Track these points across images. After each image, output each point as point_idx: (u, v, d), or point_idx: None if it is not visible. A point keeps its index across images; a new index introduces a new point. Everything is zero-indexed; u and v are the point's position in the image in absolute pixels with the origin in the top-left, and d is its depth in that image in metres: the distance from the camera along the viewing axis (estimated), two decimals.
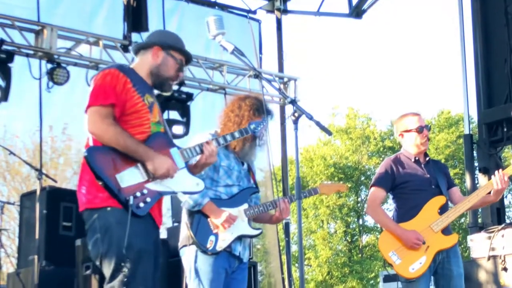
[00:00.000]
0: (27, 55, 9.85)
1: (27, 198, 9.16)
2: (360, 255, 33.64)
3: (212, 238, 4.98)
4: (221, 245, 4.99)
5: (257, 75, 4.31)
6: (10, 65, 9.49)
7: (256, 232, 5.20)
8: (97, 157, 4.08)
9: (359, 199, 35.03)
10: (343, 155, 34.80)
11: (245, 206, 5.15)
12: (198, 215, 4.99)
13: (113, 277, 4.04)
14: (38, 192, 8.13)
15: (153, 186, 4.14)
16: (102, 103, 4.11)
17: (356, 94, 52.10)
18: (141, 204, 4.08)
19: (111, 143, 4.08)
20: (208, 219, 4.98)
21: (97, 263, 4.15)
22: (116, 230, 4.03)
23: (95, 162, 4.06)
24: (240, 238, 5.09)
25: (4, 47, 9.44)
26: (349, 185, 33.73)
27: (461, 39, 10.84)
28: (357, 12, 12.19)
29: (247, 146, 5.11)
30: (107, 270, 4.06)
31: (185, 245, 5.04)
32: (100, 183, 4.01)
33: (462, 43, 10.82)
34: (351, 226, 34.86)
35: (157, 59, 4.38)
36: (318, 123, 4.18)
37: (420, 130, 5.88)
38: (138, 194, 4.08)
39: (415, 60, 50.17)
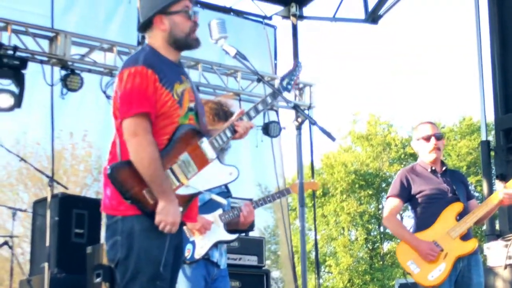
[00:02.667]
0: (41, 62, 9.84)
1: (39, 205, 9.14)
2: (381, 263, 33.42)
3: (189, 246, 4.90)
4: (199, 253, 4.91)
5: (260, 79, 4.18)
6: (23, 71, 9.49)
7: (233, 236, 5.12)
8: (121, 174, 3.73)
9: (380, 206, 34.76)
10: (364, 162, 34.60)
11: (220, 211, 5.07)
12: None
13: (127, 285, 3.77)
14: (49, 199, 8.09)
15: (183, 190, 3.82)
16: (137, 112, 3.72)
17: (375, 101, 51.84)
18: None
19: (140, 164, 3.70)
20: (184, 227, 4.89)
21: (112, 265, 3.87)
22: (139, 238, 3.74)
23: (119, 180, 3.73)
24: (216, 245, 5.01)
25: (18, 53, 9.43)
26: (370, 192, 33.57)
27: (478, 44, 10.70)
28: (373, 17, 12.08)
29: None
30: (121, 276, 3.79)
31: None
32: (128, 202, 3.71)
33: (479, 48, 10.68)
34: (372, 234, 34.64)
35: (164, 27, 3.96)
36: (321, 129, 4.05)
37: (427, 138, 5.85)
38: None
39: (433, 66, 49.67)
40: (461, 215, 5.68)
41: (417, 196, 5.80)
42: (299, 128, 4.09)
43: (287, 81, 4.23)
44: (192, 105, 3.96)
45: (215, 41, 4.17)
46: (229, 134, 4.03)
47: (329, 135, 4.05)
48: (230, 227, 5.17)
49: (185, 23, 3.99)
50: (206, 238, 4.91)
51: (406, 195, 5.81)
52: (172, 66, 3.96)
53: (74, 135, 20.67)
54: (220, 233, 5.00)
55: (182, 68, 4.09)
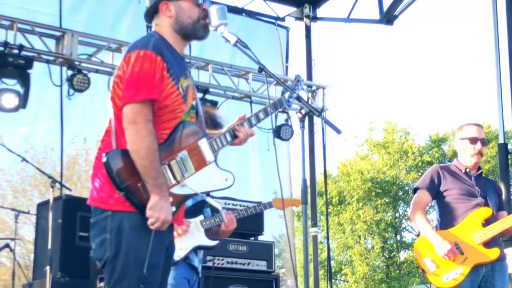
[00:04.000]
0: (47, 61, 9.67)
1: (43, 207, 8.94)
2: (398, 272, 33.23)
3: None
4: (179, 254, 4.90)
5: (261, 69, 3.94)
6: (29, 71, 9.32)
7: (213, 243, 5.16)
8: (118, 163, 3.52)
9: (397, 214, 34.62)
10: (380, 170, 34.42)
11: (201, 217, 5.10)
12: None
13: (114, 287, 3.54)
14: (51, 201, 7.89)
15: (179, 190, 3.63)
16: (144, 98, 3.50)
17: (390, 104, 51.54)
18: None
19: (136, 154, 3.49)
20: None
21: (100, 265, 3.65)
22: (128, 237, 3.52)
23: (115, 170, 3.50)
24: (196, 250, 5.07)
25: (24, 53, 9.27)
26: (387, 200, 33.36)
27: (496, 50, 10.44)
28: (388, 18, 11.83)
29: None
30: (108, 277, 3.57)
31: None
32: (121, 194, 3.50)
33: (497, 53, 10.42)
34: (388, 242, 34.47)
35: (171, 13, 3.78)
36: (326, 121, 3.84)
37: (473, 140, 5.73)
38: None
39: (450, 69, 49.53)
40: (488, 222, 5.55)
41: (445, 194, 5.69)
42: (302, 120, 3.85)
43: (289, 94, 4.06)
44: (194, 103, 3.79)
45: (214, 28, 3.94)
46: (229, 138, 3.87)
47: (334, 127, 3.83)
48: (211, 235, 5.18)
49: (193, 9, 3.80)
50: (185, 241, 4.95)
51: (435, 189, 5.71)
52: (178, 58, 3.78)
53: (88, 140, 20.63)
54: (200, 238, 5.05)
55: (185, 64, 3.89)
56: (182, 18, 3.79)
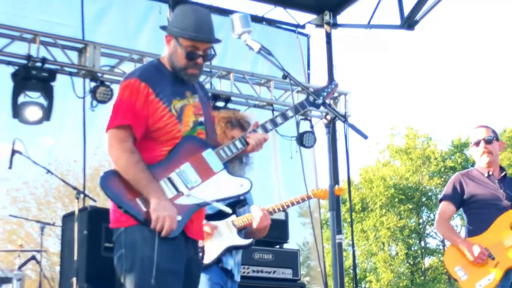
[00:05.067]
0: (70, 74, 9.71)
1: (68, 218, 8.95)
2: (422, 278, 33.01)
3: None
4: (209, 257, 4.78)
5: (286, 76, 3.95)
6: (52, 84, 9.37)
7: (246, 242, 4.94)
8: (113, 182, 3.72)
9: (421, 220, 34.42)
10: (403, 176, 34.26)
11: (233, 217, 4.92)
12: None
13: None
14: (76, 212, 7.90)
15: (184, 200, 3.74)
16: (118, 124, 3.75)
17: (413, 111, 51.31)
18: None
19: (122, 172, 3.72)
20: None
21: (121, 280, 3.81)
22: (141, 248, 3.68)
23: (111, 188, 3.72)
24: (230, 251, 4.88)
25: (47, 65, 9.32)
26: (410, 207, 33.19)
27: None
28: (409, 23, 11.75)
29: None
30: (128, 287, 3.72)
31: None
32: (121, 210, 3.68)
33: None
34: (412, 248, 34.26)
35: (170, 47, 3.94)
36: (352, 126, 3.83)
37: (477, 143, 5.80)
38: None
39: (473, 74, 49.23)
40: None
41: (470, 201, 5.69)
42: (328, 125, 3.83)
43: (314, 97, 4.10)
44: (201, 119, 3.93)
45: (238, 36, 4.00)
46: (239, 145, 3.92)
47: (360, 132, 3.81)
48: (247, 235, 5.03)
49: (182, 59, 3.89)
50: (217, 242, 4.81)
51: (458, 199, 5.72)
52: (173, 83, 3.90)
53: None
54: (232, 238, 4.87)
55: (187, 84, 3.98)
56: (173, 59, 3.91)
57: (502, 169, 5.84)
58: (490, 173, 5.75)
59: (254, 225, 4.88)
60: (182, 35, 3.85)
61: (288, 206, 5.03)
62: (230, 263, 4.86)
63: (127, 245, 3.72)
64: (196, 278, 3.96)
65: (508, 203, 5.59)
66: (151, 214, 3.65)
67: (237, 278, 4.99)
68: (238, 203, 4.89)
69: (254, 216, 4.86)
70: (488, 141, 5.75)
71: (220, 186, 3.84)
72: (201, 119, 3.93)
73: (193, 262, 3.89)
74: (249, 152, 4.02)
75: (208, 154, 3.84)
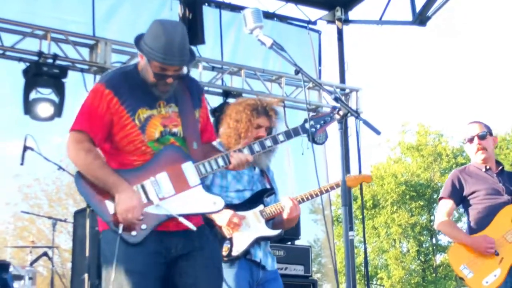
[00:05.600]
0: (81, 70, 9.71)
1: (80, 215, 8.96)
2: (434, 275, 32.92)
3: (226, 243, 4.68)
4: (237, 249, 4.65)
5: (298, 71, 3.92)
6: (64, 80, 9.37)
7: (275, 232, 4.80)
8: (84, 182, 3.76)
9: (432, 217, 34.30)
10: (414, 173, 34.18)
11: (261, 207, 4.81)
12: (210, 223, 4.66)
13: None
14: (88, 209, 7.89)
15: (153, 209, 3.73)
16: (76, 128, 3.80)
17: (424, 107, 51.16)
18: (134, 233, 3.70)
19: (82, 172, 3.76)
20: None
21: None
22: (107, 252, 3.75)
23: (83, 187, 3.76)
24: (259, 242, 4.75)
25: (58, 62, 9.31)
26: (421, 203, 33.10)
27: None
28: (421, 19, 11.69)
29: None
30: None
31: None
32: (90, 209, 3.74)
33: None
34: (424, 245, 34.19)
35: (142, 61, 3.90)
36: (365, 122, 3.80)
37: (470, 139, 5.73)
38: None
39: (485, 70, 48.99)
40: None
41: (470, 197, 5.62)
42: (341, 121, 3.80)
43: (312, 123, 4.11)
44: (175, 130, 3.88)
45: (250, 31, 3.96)
46: (221, 163, 3.92)
47: (373, 128, 3.78)
48: (276, 225, 4.91)
49: (151, 77, 3.84)
50: (245, 234, 4.67)
51: (458, 196, 5.64)
52: (146, 90, 3.87)
53: None
54: (260, 228, 4.74)
55: (162, 94, 3.92)
56: (145, 73, 3.87)
57: (498, 163, 5.77)
58: (488, 167, 5.68)
59: (285, 215, 4.79)
60: (151, 57, 3.78)
61: (317, 195, 4.91)
62: (259, 254, 4.75)
63: (101, 250, 3.82)
64: (205, 263, 3.91)
65: (508, 197, 5.53)
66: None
67: (272, 266, 4.87)
68: (265, 192, 4.84)
69: (284, 206, 4.78)
70: (481, 137, 5.69)
71: (192, 201, 3.81)
72: (176, 129, 3.89)
73: (184, 257, 3.86)
74: (229, 170, 4.03)
75: (187, 167, 3.83)
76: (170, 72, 3.81)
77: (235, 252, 4.64)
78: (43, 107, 9.19)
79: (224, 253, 4.62)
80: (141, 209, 3.70)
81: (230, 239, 4.66)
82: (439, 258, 33.91)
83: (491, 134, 5.76)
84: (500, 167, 5.72)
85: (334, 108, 4.04)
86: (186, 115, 3.95)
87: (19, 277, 8.01)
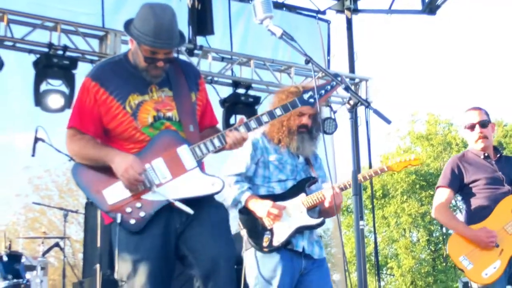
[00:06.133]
0: (91, 62, 9.72)
1: (91, 206, 8.98)
2: (444, 264, 32.89)
3: (267, 234, 4.63)
4: (278, 239, 4.62)
5: (308, 61, 3.91)
6: (74, 71, 9.39)
7: (316, 221, 4.72)
8: (83, 173, 3.82)
9: None
10: (424, 162, 34.08)
11: (302, 196, 4.73)
12: (251, 214, 4.68)
13: None
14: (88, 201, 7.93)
15: (150, 196, 3.75)
16: (70, 126, 3.90)
17: (434, 97, 51.00)
18: (132, 221, 3.72)
19: (81, 160, 3.83)
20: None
21: None
22: (114, 245, 3.81)
23: (80, 179, 3.82)
24: (301, 232, 4.70)
25: (68, 53, 9.33)
26: (431, 193, 33.04)
27: None
28: (430, 8, 11.68)
29: (295, 140, 4.77)
30: None
31: (246, 250, 4.72)
32: (89, 201, 3.78)
33: None
34: (434, 235, 34.14)
35: (132, 46, 3.92)
36: (376, 111, 3.78)
37: (471, 127, 5.59)
38: (128, 209, 3.73)
39: (495, 59, 48.75)
40: None
41: (470, 186, 5.50)
42: (351, 110, 3.80)
43: (310, 94, 4.04)
44: (169, 114, 3.86)
45: (260, 21, 3.94)
46: (217, 143, 3.88)
47: (384, 118, 3.77)
48: (321, 214, 4.84)
49: (142, 61, 3.84)
50: (286, 224, 4.63)
51: (457, 184, 5.52)
52: (137, 76, 3.87)
53: None
54: (302, 218, 4.68)
55: (154, 78, 3.91)
56: (135, 58, 3.88)
57: (496, 149, 5.66)
58: (486, 154, 5.58)
59: (326, 204, 4.72)
60: (141, 41, 3.79)
61: (360, 181, 4.81)
62: (301, 244, 4.69)
63: (112, 241, 3.87)
64: (211, 222, 3.89)
65: (509, 187, 5.43)
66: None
67: (320, 254, 4.82)
68: (308, 181, 4.78)
69: (325, 194, 4.70)
70: (483, 125, 5.58)
71: (190, 185, 3.79)
72: (170, 113, 3.88)
73: (191, 222, 3.84)
74: (226, 150, 3.98)
75: (183, 151, 3.81)
76: (161, 56, 3.80)
77: (275, 243, 4.61)
78: (54, 99, 9.21)
79: (265, 243, 4.61)
80: (140, 164, 3.71)
81: (271, 230, 4.63)
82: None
83: (489, 121, 5.64)
84: (499, 154, 5.62)
85: (335, 75, 4.01)
86: (181, 98, 3.93)
87: (31, 268, 8.05)
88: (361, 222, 11.08)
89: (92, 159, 3.77)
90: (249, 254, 4.70)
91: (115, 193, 3.73)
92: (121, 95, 3.81)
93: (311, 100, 4.02)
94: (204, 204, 3.87)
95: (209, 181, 3.82)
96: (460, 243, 5.33)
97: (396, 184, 33.24)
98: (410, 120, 35.20)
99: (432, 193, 33.03)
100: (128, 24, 3.90)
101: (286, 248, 4.65)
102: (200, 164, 3.84)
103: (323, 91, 4.05)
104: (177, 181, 3.78)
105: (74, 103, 3.92)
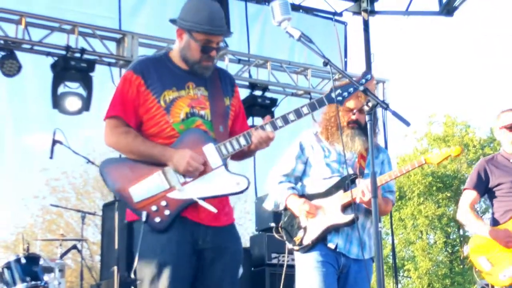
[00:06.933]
0: (109, 64, 9.77)
1: (109, 208, 9.01)
2: (461, 266, 32.73)
3: (300, 233, 4.67)
4: (309, 237, 4.63)
5: (327, 63, 3.90)
6: (91, 74, 9.43)
7: (346, 219, 4.64)
8: (110, 171, 3.80)
9: None
10: (441, 164, 33.92)
11: (340, 193, 4.70)
12: (291, 215, 4.76)
13: None
14: (116, 202, 7.94)
15: (176, 194, 3.73)
16: (110, 115, 3.86)
17: (451, 99, 50.80)
18: (157, 219, 3.69)
19: (126, 154, 3.82)
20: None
21: None
22: (136, 243, 3.74)
23: (108, 176, 3.78)
24: (337, 229, 4.65)
25: (85, 56, 9.39)
26: (448, 195, 32.92)
27: None
28: (448, 9, 11.63)
29: (344, 136, 4.71)
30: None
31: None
32: (117, 197, 3.77)
33: None
34: (451, 237, 34.00)
35: (181, 41, 3.91)
36: (394, 113, 3.77)
37: (510, 127, 5.56)
38: (154, 208, 3.70)
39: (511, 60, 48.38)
40: None
41: (494, 189, 5.52)
42: (370, 113, 3.78)
43: (339, 92, 3.95)
44: (202, 112, 3.88)
45: (278, 23, 3.93)
46: (243, 142, 3.84)
47: (402, 119, 3.75)
48: (366, 212, 4.78)
49: (197, 52, 3.87)
50: (319, 222, 4.64)
51: (483, 187, 5.54)
52: (176, 73, 3.91)
53: None
54: (334, 216, 4.66)
55: (192, 76, 3.94)
56: (186, 53, 3.89)
57: None
58: None
59: (357, 201, 4.64)
60: (196, 29, 3.82)
61: (396, 176, 4.75)
62: (336, 241, 4.65)
63: (134, 241, 3.80)
64: (227, 265, 3.90)
65: None
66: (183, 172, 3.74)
67: (358, 255, 4.72)
68: (349, 178, 4.71)
69: (358, 191, 4.63)
70: None
71: (215, 183, 3.78)
72: (203, 112, 3.89)
73: (213, 250, 3.85)
74: (252, 150, 3.95)
75: (209, 149, 3.78)
76: (214, 44, 3.86)
77: (306, 241, 4.63)
78: (71, 101, 9.27)
79: (297, 241, 4.64)
80: (198, 155, 3.73)
81: (305, 228, 4.65)
82: (466, 250, 33.70)
83: None
84: None
85: (364, 73, 3.99)
86: (215, 99, 3.96)
87: (49, 270, 8.06)
88: (378, 224, 11.11)
89: (141, 155, 3.77)
90: (295, 254, 4.77)
91: (141, 191, 3.71)
92: (157, 89, 3.84)
93: (339, 98, 3.95)
94: (230, 235, 3.94)
95: (235, 180, 3.80)
96: (480, 244, 5.36)
97: (413, 186, 33.12)
98: (427, 122, 35.07)
99: (448, 195, 32.97)
100: (175, 21, 3.94)
101: (322, 243, 4.65)
102: (226, 163, 3.83)
103: (352, 89, 3.98)
104: (202, 180, 3.77)
105: (113, 96, 3.88)
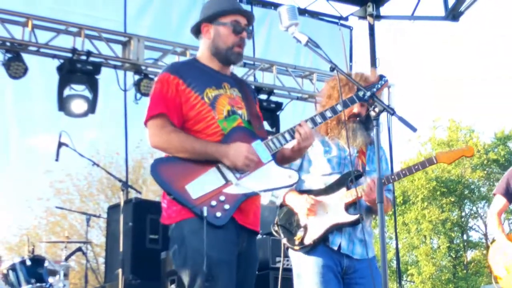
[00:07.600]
0: (115, 67, 9.79)
1: (114, 210, 9.04)
2: (465, 271, 32.67)
3: (300, 232, 4.53)
4: (311, 237, 4.47)
5: (333, 68, 3.91)
6: (97, 76, 9.45)
7: (350, 218, 4.48)
8: (163, 170, 3.78)
9: (463, 213, 34.06)
10: (445, 169, 33.89)
11: (343, 191, 4.53)
12: (288, 211, 4.62)
13: None
14: (122, 204, 7.95)
15: (233, 189, 3.76)
16: (153, 114, 3.84)
17: (456, 103, 50.76)
18: (218, 214, 3.70)
19: (178, 152, 3.79)
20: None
21: (179, 274, 3.88)
22: (190, 241, 3.71)
23: (161, 176, 3.76)
24: (340, 229, 4.49)
25: (91, 58, 9.40)
26: (452, 199, 32.88)
27: None
28: (453, 14, 11.61)
29: (345, 130, 4.57)
30: (185, 282, 3.76)
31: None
32: (171, 197, 3.72)
33: None
34: (455, 242, 33.94)
35: (209, 35, 4.00)
36: (401, 119, 3.77)
37: None
38: (213, 203, 3.70)
39: None
40: None
41: None
42: (376, 118, 3.79)
43: (363, 92, 3.98)
44: (240, 111, 3.96)
45: (285, 29, 3.96)
46: (288, 137, 3.93)
47: (409, 125, 3.75)
48: (370, 211, 4.62)
49: (229, 36, 4.00)
50: (321, 221, 4.48)
51: (510, 193, 5.69)
52: (211, 73, 4.00)
53: None
54: (338, 215, 4.50)
55: (228, 77, 4.08)
56: (218, 42, 3.99)
57: None
58: None
59: (364, 198, 4.50)
60: (223, 14, 3.97)
61: (405, 175, 4.62)
62: (338, 241, 4.49)
63: (178, 241, 3.77)
64: (250, 269, 3.95)
65: None
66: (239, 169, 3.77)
67: (361, 254, 4.55)
68: (352, 174, 4.49)
69: (364, 189, 4.50)
70: None
71: (269, 177, 3.85)
72: (240, 111, 3.96)
73: (244, 256, 3.88)
74: (296, 151, 3.99)
75: (257, 145, 3.86)
76: (243, 25, 4.00)
77: (307, 241, 4.49)
78: (77, 104, 9.29)
79: (297, 241, 4.51)
80: (251, 148, 3.80)
81: (305, 227, 4.51)
82: (470, 255, 33.66)
83: None
84: None
85: (381, 77, 4.06)
86: (248, 101, 4.06)
87: (54, 272, 8.08)
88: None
89: (195, 152, 3.77)
90: (291, 253, 4.63)
91: (198, 187, 3.73)
92: (198, 87, 3.89)
93: (368, 93, 3.97)
94: (252, 243, 3.97)
95: (286, 173, 3.90)
96: (498, 252, 5.49)
97: (417, 191, 33.08)
98: (432, 126, 35.04)
99: (452, 199, 32.94)
100: (199, 23, 4.04)
101: (324, 244, 4.50)
102: (275, 158, 3.91)
103: (374, 89, 4.03)
104: (256, 174, 3.83)
105: (151, 98, 3.88)
